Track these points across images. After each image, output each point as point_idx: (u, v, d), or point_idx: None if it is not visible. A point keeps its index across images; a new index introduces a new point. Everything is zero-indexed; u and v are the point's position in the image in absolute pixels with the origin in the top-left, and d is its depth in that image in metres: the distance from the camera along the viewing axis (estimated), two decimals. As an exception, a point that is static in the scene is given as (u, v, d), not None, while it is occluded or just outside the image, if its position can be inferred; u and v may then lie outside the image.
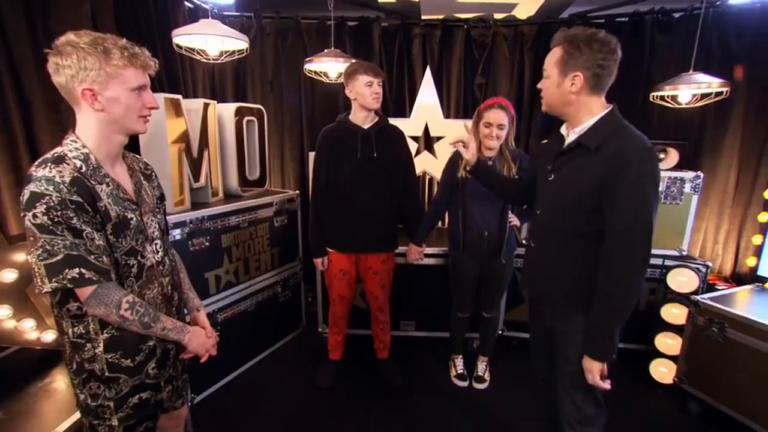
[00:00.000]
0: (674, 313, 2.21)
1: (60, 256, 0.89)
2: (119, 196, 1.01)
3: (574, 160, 1.23)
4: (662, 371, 2.25)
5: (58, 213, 0.88)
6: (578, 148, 1.21)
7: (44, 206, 0.87)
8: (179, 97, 1.94)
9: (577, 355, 1.25)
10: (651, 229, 1.13)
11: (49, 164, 0.90)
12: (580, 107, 1.21)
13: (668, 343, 2.23)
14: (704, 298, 2.06)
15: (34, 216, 0.87)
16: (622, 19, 2.87)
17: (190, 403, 2.01)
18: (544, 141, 1.46)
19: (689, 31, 2.66)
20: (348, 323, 2.37)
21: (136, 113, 1.00)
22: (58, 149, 0.95)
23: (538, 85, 1.28)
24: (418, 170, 2.98)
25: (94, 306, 0.95)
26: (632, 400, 2.20)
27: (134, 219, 1.03)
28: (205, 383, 2.16)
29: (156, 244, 1.11)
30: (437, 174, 2.97)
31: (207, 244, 2.07)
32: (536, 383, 1.58)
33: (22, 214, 0.89)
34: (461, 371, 2.33)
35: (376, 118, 2.02)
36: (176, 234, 1.91)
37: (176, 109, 1.94)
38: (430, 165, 2.99)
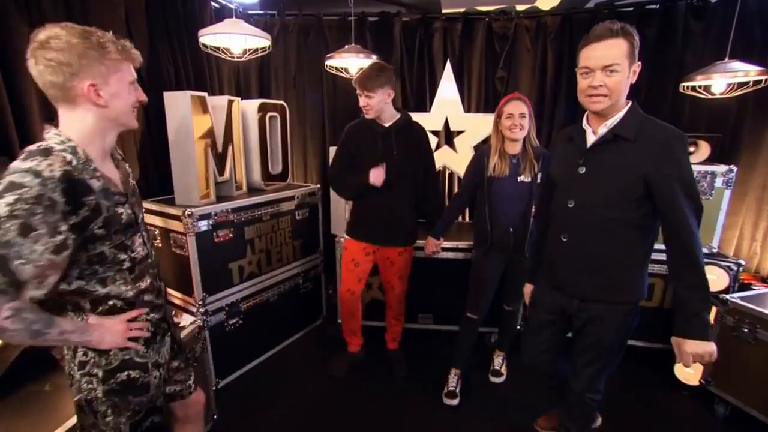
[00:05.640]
0: (702, 313, 2.12)
1: None
2: (110, 191, 0.95)
3: (611, 151, 1.25)
4: (688, 372, 2.18)
5: (25, 207, 0.79)
6: (614, 140, 1.24)
7: (14, 197, 0.78)
8: (205, 94, 2.03)
9: (613, 336, 1.35)
10: (702, 206, 1.21)
11: (37, 157, 0.83)
12: (623, 99, 1.24)
13: (695, 343, 2.15)
14: (734, 297, 1.97)
15: None
16: (653, 6, 2.76)
17: (214, 387, 2.12)
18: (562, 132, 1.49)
19: (728, 16, 2.52)
20: (364, 315, 2.41)
21: (131, 108, 0.99)
22: (42, 142, 0.88)
23: (605, 82, 1.18)
24: (438, 164, 2.98)
25: None
26: (656, 401, 2.14)
27: (124, 213, 0.98)
28: (229, 369, 2.27)
29: (143, 235, 1.07)
30: (457, 168, 2.97)
31: (231, 235, 2.16)
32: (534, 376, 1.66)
33: None
34: (453, 388, 2.15)
35: (398, 116, 2.04)
36: (202, 226, 2.00)
37: (202, 106, 2.03)
38: (450, 159, 2.98)
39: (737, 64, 2.11)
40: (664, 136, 1.19)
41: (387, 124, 2.02)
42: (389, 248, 2.15)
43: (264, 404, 2.12)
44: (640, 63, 1.21)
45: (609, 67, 1.17)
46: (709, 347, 1.18)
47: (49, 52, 0.85)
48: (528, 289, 1.68)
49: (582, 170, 1.30)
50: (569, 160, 1.35)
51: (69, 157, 0.87)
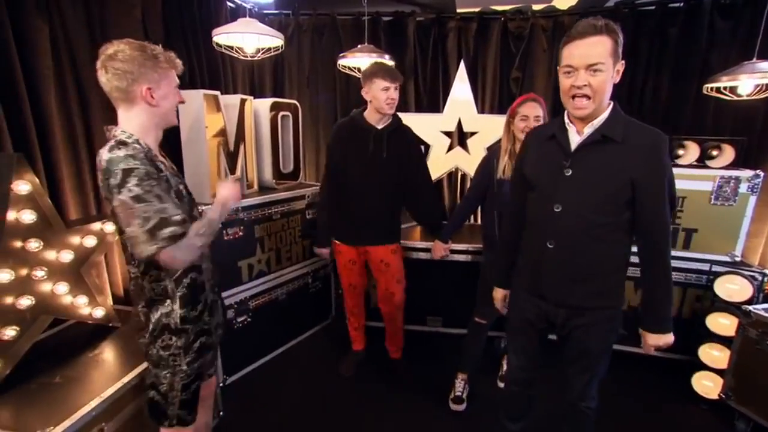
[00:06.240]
0: (722, 324, 2.04)
1: (156, 220, 1.02)
2: (170, 172, 1.17)
3: (598, 153, 1.20)
4: (706, 385, 2.09)
5: (146, 183, 1.02)
6: (602, 141, 1.20)
7: (136, 179, 1.01)
8: (217, 93, 2.05)
9: (601, 343, 1.35)
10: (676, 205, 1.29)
11: (122, 147, 1.05)
12: (607, 100, 1.20)
13: (714, 355, 2.06)
14: (758, 308, 1.88)
15: (129, 190, 1.00)
16: (677, 5, 2.66)
17: (221, 384, 2.14)
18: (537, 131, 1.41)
19: (756, 14, 2.41)
20: (373, 317, 2.39)
21: (174, 107, 1.20)
22: (116, 138, 1.08)
23: (589, 82, 1.13)
24: (450, 166, 2.96)
25: (180, 253, 1.06)
26: (673, 414, 2.07)
27: (184, 190, 1.22)
28: (236, 366, 2.29)
29: (198, 210, 1.28)
30: (469, 170, 2.92)
31: (241, 233, 2.18)
32: (513, 391, 1.61)
33: (116, 192, 1.01)
34: (459, 393, 2.12)
35: (390, 119, 2.01)
36: (213, 223, 2.02)
37: (215, 105, 2.05)
38: (462, 161, 2.94)
39: (766, 65, 2.02)
40: (652, 140, 1.18)
41: (380, 126, 1.98)
42: (379, 247, 2.10)
43: (270, 402, 2.13)
44: (623, 62, 1.17)
45: (593, 66, 1.11)
46: (669, 338, 1.29)
47: (116, 62, 1.05)
48: (499, 294, 1.59)
49: (568, 172, 1.23)
50: (552, 160, 1.27)
51: (137, 146, 1.09)
